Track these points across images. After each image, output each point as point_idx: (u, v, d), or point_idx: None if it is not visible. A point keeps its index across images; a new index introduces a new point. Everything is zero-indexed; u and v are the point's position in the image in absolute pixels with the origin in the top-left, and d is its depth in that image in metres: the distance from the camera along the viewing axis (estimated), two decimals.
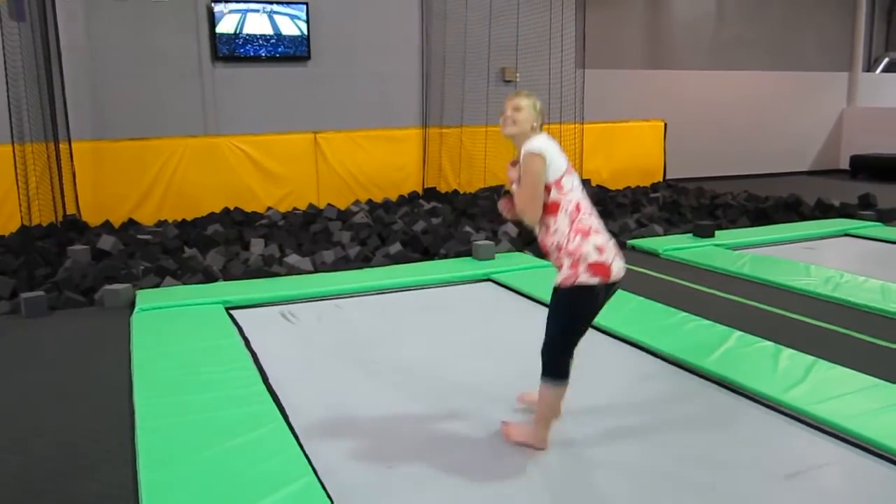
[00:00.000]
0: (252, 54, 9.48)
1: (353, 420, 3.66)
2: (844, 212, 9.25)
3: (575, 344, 2.90)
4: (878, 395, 3.68)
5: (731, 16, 14.62)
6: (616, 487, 2.96)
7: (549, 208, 2.90)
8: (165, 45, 9.03)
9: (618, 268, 2.78)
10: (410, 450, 3.33)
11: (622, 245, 7.40)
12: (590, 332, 5.01)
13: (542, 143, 2.91)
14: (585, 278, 2.69)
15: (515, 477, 3.07)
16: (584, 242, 2.72)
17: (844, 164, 14.69)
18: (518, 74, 10.78)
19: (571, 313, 2.80)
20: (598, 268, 2.70)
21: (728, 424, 3.55)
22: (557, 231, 2.86)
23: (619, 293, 3.37)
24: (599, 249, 2.72)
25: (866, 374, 3.97)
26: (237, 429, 3.38)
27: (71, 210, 8.28)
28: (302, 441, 3.30)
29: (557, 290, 2.82)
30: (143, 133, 8.84)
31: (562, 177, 2.88)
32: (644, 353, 4.50)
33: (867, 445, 3.24)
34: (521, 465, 3.16)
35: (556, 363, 2.89)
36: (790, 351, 4.32)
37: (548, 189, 2.87)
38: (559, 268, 2.86)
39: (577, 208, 2.83)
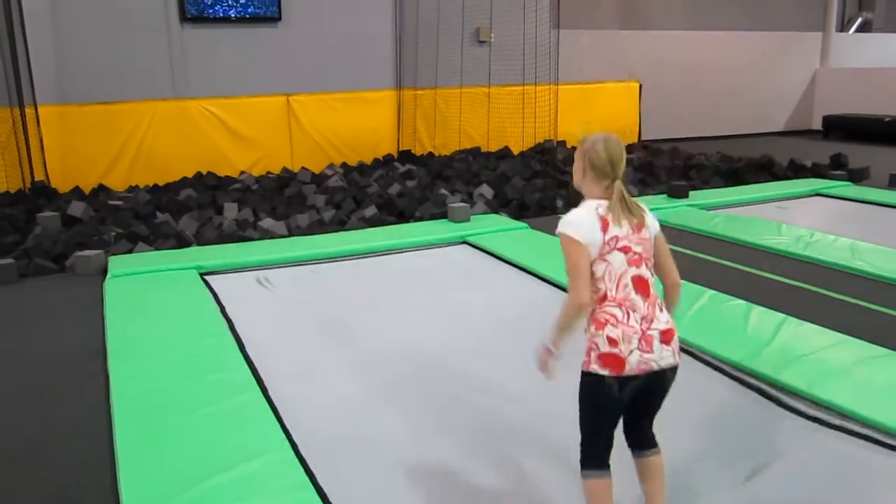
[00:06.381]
0: (221, 15, 9.26)
1: (329, 388, 3.66)
2: (816, 172, 9.34)
3: (598, 440, 2.56)
4: (844, 352, 3.76)
5: None
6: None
7: None
8: (132, 6, 8.79)
9: (637, 361, 2.41)
10: (388, 417, 3.35)
11: None
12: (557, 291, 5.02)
13: (572, 218, 2.45)
14: (596, 367, 2.43)
15: (491, 437, 3.11)
16: (597, 333, 2.43)
17: (817, 125, 14.79)
18: (493, 35, 10.68)
19: (585, 403, 2.54)
20: (609, 359, 2.42)
21: (693, 392, 3.61)
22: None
23: None
24: (612, 341, 2.40)
25: (834, 330, 4.05)
26: (213, 396, 3.37)
27: (39, 176, 8.13)
28: (278, 408, 3.30)
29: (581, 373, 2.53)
30: (111, 97, 8.66)
31: (593, 262, 2.45)
32: None
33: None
34: (495, 424, 3.20)
35: (582, 453, 2.58)
36: (761, 309, 4.40)
37: None
38: None
39: (602, 299, 2.45)
